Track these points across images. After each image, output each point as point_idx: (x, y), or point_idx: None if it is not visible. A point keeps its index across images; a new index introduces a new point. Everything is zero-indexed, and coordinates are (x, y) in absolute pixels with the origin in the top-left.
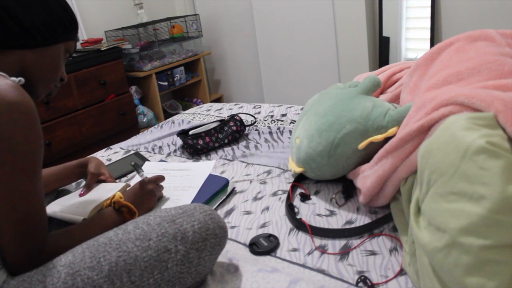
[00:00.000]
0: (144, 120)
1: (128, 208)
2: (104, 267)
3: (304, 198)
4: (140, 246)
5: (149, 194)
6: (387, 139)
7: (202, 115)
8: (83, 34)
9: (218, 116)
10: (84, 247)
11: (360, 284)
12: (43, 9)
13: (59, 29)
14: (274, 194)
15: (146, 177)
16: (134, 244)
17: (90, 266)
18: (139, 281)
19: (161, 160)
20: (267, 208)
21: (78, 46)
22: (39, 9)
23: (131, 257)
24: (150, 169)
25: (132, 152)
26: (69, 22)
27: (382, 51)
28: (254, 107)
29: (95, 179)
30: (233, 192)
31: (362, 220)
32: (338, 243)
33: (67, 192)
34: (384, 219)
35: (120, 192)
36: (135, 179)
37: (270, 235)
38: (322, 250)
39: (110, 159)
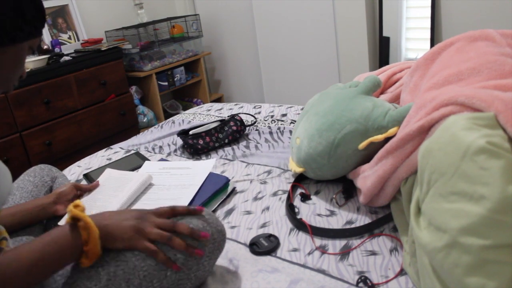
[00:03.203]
0: (144, 120)
1: (85, 222)
2: (103, 277)
3: (305, 198)
4: (138, 255)
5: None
6: (387, 139)
7: (202, 115)
8: (83, 34)
9: (218, 116)
10: None
11: (361, 284)
12: (12, 8)
13: (26, 29)
14: (274, 194)
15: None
16: (132, 254)
17: (88, 276)
18: None
19: (162, 159)
20: (267, 208)
21: (78, 46)
22: (6, 7)
23: (130, 266)
24: (150, 168)
25: (132, 152)
26: (40, 22)
27: (382, 51)
28: (254, 107)
29: (78, 191)
30: (233, 192)
31: (362, 220)
32: (339, 243)
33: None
34: (384, 219)
35: (79, 200)
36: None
37: (270, 235)
38: (323, 250)
39: (110, 159)
